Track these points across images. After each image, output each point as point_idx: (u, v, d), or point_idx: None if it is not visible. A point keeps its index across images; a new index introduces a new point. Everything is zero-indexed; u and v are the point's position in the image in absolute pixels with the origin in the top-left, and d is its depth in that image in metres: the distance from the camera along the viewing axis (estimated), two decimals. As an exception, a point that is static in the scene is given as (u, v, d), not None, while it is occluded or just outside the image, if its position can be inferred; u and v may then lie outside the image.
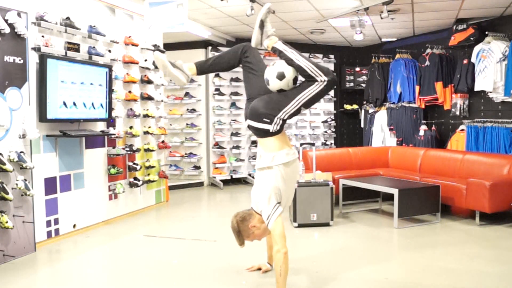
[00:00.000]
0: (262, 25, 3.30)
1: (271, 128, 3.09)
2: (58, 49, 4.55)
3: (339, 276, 3.56)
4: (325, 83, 3.04)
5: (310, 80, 3.06)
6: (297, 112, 3.12)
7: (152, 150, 6.10)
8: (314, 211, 5.04)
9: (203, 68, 3.35)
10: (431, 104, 7.70)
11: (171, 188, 7.34)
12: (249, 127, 3.21)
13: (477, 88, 6.60)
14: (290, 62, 3.18)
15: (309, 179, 5.22)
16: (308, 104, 3.12)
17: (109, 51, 5.34)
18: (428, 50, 7.51)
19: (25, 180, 4.02)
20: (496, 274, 3.53)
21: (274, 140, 3.13)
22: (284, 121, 3.12)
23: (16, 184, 3.94)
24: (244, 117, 3.34)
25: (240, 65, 3.37)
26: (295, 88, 3.13)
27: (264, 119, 3.08)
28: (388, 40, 8.69)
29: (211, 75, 8.13)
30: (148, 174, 6.07)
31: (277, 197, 3.06)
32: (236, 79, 8.29)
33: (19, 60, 4.05)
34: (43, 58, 4.25)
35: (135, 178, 5.77)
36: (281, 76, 3.14)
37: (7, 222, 3.77)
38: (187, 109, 8.19)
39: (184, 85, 3.32)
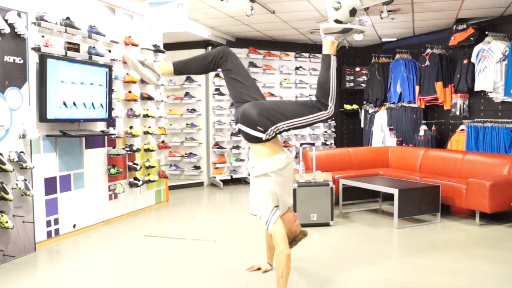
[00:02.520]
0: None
1: (264, 137, 3.05)
2: (58, 49, 4.55)
3: (339, 276, 3.56)
4: (329, 115, 3.02)
5: (319, 102, 2.99)
6: (289, 130, 3.10)
7: (152, 150, 6.11)
8: (314, 211, 5.04)
9: (179, 68, 3.21)
10: (431, 104, 7.70)
11: (171, 188, 7.34)
12: (240, 131, 3.17)
13: (477, 88, 6.60)
14: (325, 75, 3.01)
15: (309, 179, 5.22)
16: (301, 127, 3.11)
17: (109, 51, 5.34)
18: (428, 50, 7.51)
19: (25, 180, 4.02)
20: (496, 274, 3.53)
21: (266, 147, 3.09)
22: (277, 134, 3.08)
23: (16, 184, 3.94)
24: (235, 120, 3.28)
25: (219, 70, 3.28)
26: (298, 106, 3.08)
27: (258, 128, 3.03)
28: (388, 40, 8.69)
29: (211, 75, 8.14)
30: (148, 174, 6.07)
31: (274, 201, 3.05)
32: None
33: (19, 60, 4.05)
34: (43, 58, 4.25)
35: (135, 178, 5.77)
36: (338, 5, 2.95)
37: (7, 222, 3.76)
38: (187, 109, 8.19)
39: (155, 84, 3.23)
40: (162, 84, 6.45)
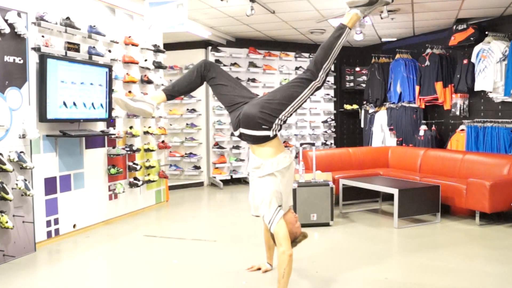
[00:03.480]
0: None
1: (271, 133, 3.06)
2: (58, 49, 4.55)
3: (339, 276, 3.56)
4: (319, 83, 3.05)
5: (309, 72, 3.02)
6: (291, 115, 3.13)
7: (152, 150, 6.11)
8: (314, 211, 5.04)
9: (170, 92, 3.23)
10: (431, 104, 7.70)
11: (171, 188, 7.34)
12: (243, 135, 3.14)
13: (477, 88, 6.60)
14: (332, 42, 3.03)
15: (309, 179, 5.22)
16: (301, 106, 3.13)
17: (109, 51, 5.34)
18: (428, 50, 7.50)
19: (25, 180, 4.02)
20: (496, 274, 3.53)
21: (271, 146, 3.10)
22: (281, 125, 3.10)
23: (16, 184, 3.94)
24: (232, 128, 3.25)
25: (206, 83, 3.30)
26: (290, 88, 3.08)
27: (263, 126, 3.02)
28: (388, 40, 8.69)
29: (211, 75, 8.13)
30: (148, 174, 6.07)
31: (278, 201, 3.06)
32: (236, 79, 8.28)
33: (19, 60, 4.05)
34: (43, 58, 4.25)
35: (135, 178, 5.77)
36: None
37: (7, 222, 3.77)
38: (187, 109, 8.19)
39: (152, 116, 3.19)
40: (162, 84, 6.44)
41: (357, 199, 6.18)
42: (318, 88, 3.09)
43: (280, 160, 3.08)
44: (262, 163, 3.09)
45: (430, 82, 7.39)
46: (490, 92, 6.47)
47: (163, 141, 6.45)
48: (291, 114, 3.09)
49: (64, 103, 4.52)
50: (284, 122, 3.11)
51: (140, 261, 4.00)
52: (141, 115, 3.13)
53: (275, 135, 3.10)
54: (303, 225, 5.02)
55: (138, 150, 5.81)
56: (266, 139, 3.08)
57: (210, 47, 8.13)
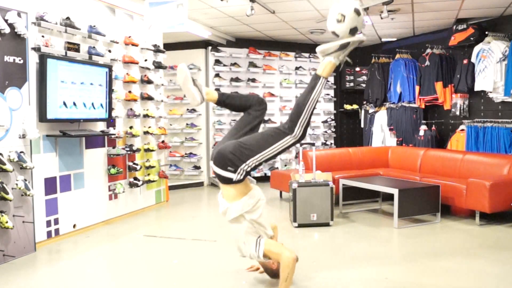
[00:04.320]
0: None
1: (235, 177, 3.02)
2: (58, 49, 4.55)
3: (339, 276, 3.56)
4: (295, 139, 3.01)
5: (287, 126, 2.99)
6: (261, 164, 3.07)
7: (152, 150, 6.10)
8: (314, 211, 5.04)
9: (223, 98, 3.23)
10: (431, 104, 7.70)
11: (171, 188, 7.34)
12: (214, 172, 3.14)
13: (477, 88, 6.60)
14: (305, 97, 2.99)
15: (309, 179, 5.22)
16: (273, 158, 3.06)
17: (109, 51, 5.34)
18: (428, 50, 7.51)
19: (25, 180, 4.02)
20: (496, 274, 3.53)
21: (236, 189, 3.07)
22: (248, 172, 3.04)
23: (16, 184, 3.94)
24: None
25: (250, 112, 3.26)
26: (264, 136, 3.04)
27: (229, 168, 2.99)
28: (388, 40, 8.69)
29: (211, 74, 8.15)
30: (148, 174, 6.07)
31: (254, 234, 3.08)
32: (236, 79, 8.30)
33: (19, 60, 4.05)
34: (43, 58, 4.25)
35: (135, 178, 5.77)
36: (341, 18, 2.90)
37: (7, 222, 3.76)
38: (187, 109, 8.19)
39: (196, 105, 3.23)
40: (162, 84, 6.45)
41: (357, 199, 6.18)
42: (296, 143, 3.06)
43: (244, 203, 3.06)
44: (228, 207, 3.11)
45: (430, 82, 7.39)
46: (490, 92, 6.47)
47: (163, 141, 6.45)
48: (260, 163, 3.03)
49: (64, 103, 4.52)
50: (252, 169, 3.03)
51: (140, 261, 4.00)
52: (189, 97, 3.12)
53: (240, 180, 3.04)
54: (303, 225, 5.04)
55: (138, 150, 5.81)
56: (229, 181, 3.05)
57: (210, 47, 8.13)
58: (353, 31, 2.92)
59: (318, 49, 3.02)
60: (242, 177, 3.03)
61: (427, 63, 7.43)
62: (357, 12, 2.88)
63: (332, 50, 2.96)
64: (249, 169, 3.01)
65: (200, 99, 3.12)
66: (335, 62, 2.99)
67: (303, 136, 3.01)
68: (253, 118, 3.21)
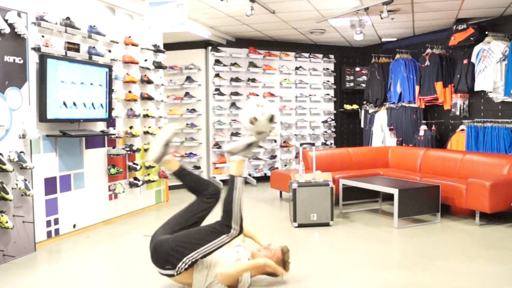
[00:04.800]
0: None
1: (175, 273, 3.00)
2: (58, 49, 4.55)
3: (339, 276, 3.56)
4: (233, 236, 3.05)
5: (223, 225, 3.03)
6: (197, 260, 3.03)
7: (152, 150, 6.09)
8: (314, 211, 5.04)
9: (182, 172, 3.27)
10: (431, 104, 7.70)
11: (171, 188, 7.33)
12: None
13: (477, 88, 6.60)
14: (229, 197, 3.11)
15: (309, 179, 5.22)
16: (210, 253, 3.05)
17: (109, 51, 5.34)
18: (428, 50, 7.50)
19: (25, 180, 4.02)
20: (497, 274, 3.53)
21: (182, 276, 3.05)
22: (190, 263, 3.00)
23: (16, 184, 3.94)
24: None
25: (204, 200, 3.27)
26: (201, 234, 3.05)
27: (167, 267, 2.99)
28: (388, 40, 8.69)
29: (211, 74, 8.14)
30: (148, 174, 6.07)
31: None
32: (236, 79, 8.29)
33: (19, 60, 4.05)
34: (43, 58, 4.25)
35: (135, 178, 5.77)
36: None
37: (7, 222, 3.77)
38: (187, 109, 8.19)
39: (149, 159, 3.25)
40: (162, 84, 6.45)
41: (357, 199, 6.18)
42: (234, 238, 3.11)
43: (199, 280, 3.05)
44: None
45: (430, 82, 7.39)
46: (490, 92, 6.47)
47: (163, 141, 6.44)
48: (197, 260, 3.02)
49: (64, 103, 4.52)
50: (191, 265, 3.01)
51: (140, 261, 3.99)
52: (151, 150, 3.17)
53: (180, 273, 3.03)
54: (303, 225, 5.04)
55: (138, 150, 5.81)
56: (171, 276, 3.05)
57: (210, 47, 8.13)
58: (260, 134, 3.13)
59: (225, 148, 3.18)
60: (183, 270, 3.01)
61: (427, 63, 7.43)
62: (271, 120, 3.08)
63: (239, 150, 3.12)
64: (187, 266, 2.99)
65: (154, 159, 3.15)
66: (243, 159, 3.14)
67: (241, 230, 3.10)
68: (202, 210, 3.21)
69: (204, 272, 3.06)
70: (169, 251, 2.98)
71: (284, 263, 3.29)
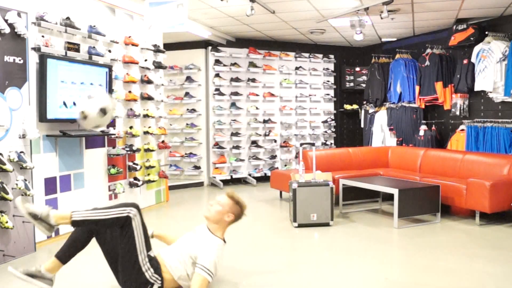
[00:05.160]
0: (35, 215, 2.89)
1: (157, 283, 2.97)
2: (58, 49, 4.55)
3: (339, 276, 3.56)
4: (137, 209, 2.97)
5: (124, 224, 2.92)
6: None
7: (152, 150, 6.10)
8: (314, 211, 5.04)
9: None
10: (431, 104, 7.70)
11: (171, 188, 7.34)
12: None
13: (477, 88, 6.60)
14: (95, 223, 2.97)
15: (309, 179, 5.21)
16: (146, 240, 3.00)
17: (109, 51, 5.34)
18: (428, 50, 7.51)
19: (25, 180, 4.02)
20: (496, 274, 3.53)
21: (171, 282, 3.04)
22: (153, 266, 2.98)
23: (16, 184, 3.94)
24: None
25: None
26: (127, 243, 2.95)
27: (140, 282, 2.93)
28: (388, 40, 8.69)
29: (211, 74, 8.14)
30: (148, 174, 6.06)
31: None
32: (236, 79, 8.30)
33: (19, 60, 4.05)
34: (43, 58, 4.25)
35: (135, 178, 5.77)
36: (104, 111, 2.88)
37: (7, 222, 3.77)
38: (187, 109, 8.19)
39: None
40: (162, 84, 6.45)
41: (357, 199, 6.18)
42: (140, 215, 3.04)
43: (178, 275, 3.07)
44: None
45: (430, 82, 7.40)
46: (490, 92, 6.47)
47: (163, 141, 6.45)
48: (146, 256, 2.98)
49: (64, 103, 4.52)
50: (151, 264, 2.98)
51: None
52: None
53: (159, 279, 2.99)
54: (303, 225, 5.04)
55: (138, 150, 5.82)
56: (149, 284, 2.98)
57: (210, 47, 8.13)
58: (97, 126, 2.99)
59: (24, 211, 2.89)
60: (156, 277, 2.97)
61: (427, 63, 7.43)
62: (103, 111, 2.86)
63: (44, 227, 2.95)
64: (152, 269, 2.96)
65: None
66: (52, 213, 2.92)
67: (138, 210, 3.02)
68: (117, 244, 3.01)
69: (181, 267, 3.06)
70: (131, 283, 2.94)
71: (237, 203, 3.30)
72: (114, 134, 5.33)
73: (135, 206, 3.00)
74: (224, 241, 3.25)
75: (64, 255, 3.13)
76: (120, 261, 2.99)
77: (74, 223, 2.93)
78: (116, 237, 2.99)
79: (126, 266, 2.95)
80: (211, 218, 3.28)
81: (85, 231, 3.12)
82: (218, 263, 3.10)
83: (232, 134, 8.28)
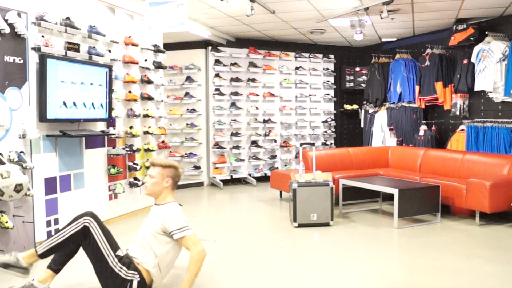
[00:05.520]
0: (5, 264, 3.08)
1: (135, 277, 3.01)
2: (58, 49, 4.55)
3: (339, 276, 3.56)
4: (92, 216, 3.09)
5: (86, 234, 3.06)
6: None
7: (152, 150, 6.10)
8: (314, 211, 5.04)
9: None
10: (431, 104, 7.70)
11: (171, 188, 7.33)
12: None
13: (477, 88, 6.60)
14: (60, 246, 3.13)
15: (309, 179, 5.22)
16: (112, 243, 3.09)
17: (109, 51, 5.34)
18: (428, 50, 7.51)
19: (25, 180, 4.01)
20: (496, 274, 3.53)
21: (147, 274, 3.09)
22: (125, 263, 3.03)
23: (16, 184, 3.94)
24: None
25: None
26: (93, 250, 3.09)
27: (117, 278, 2.98)
28: (388, 40, 8.69)
29: (211, 74, 8.15)
30: (148, 174, 6.06)
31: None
32: (236, 79, 8.30)
33: (19, 60, 4.05)
34: (43, 58, 4.25)
35: (135, 178, 5.77)
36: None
37: (7, 222, 3.76)
38: (187, 109, 8.19)
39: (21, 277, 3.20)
40: (162, 84, 6.45)
41: (357, 199, 6.18)
42: (96, 218, 3.19)
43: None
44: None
45: (430, 82, 7.40)
46: (490, 92, 6.47)
47: (163, 141, 6.45)
48: (115, 259, 3.06)
49: (64, 103, 4.52)
50: (120, 260, 3.05)
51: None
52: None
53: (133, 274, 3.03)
54: (303, 225, 5.04)
55: (138, 150, 5.82)
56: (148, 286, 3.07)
57: (210, 47, 8.13)
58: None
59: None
60: (131, 272, 3.02)
61: (427, 63, 7.43)
62: (18, 190, 3.19)
63: (18, 272, 3.13)
64: (123, 267, 3.02)
65: (22, 274, 3.12)
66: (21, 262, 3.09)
67: (90, 212, 3.21)
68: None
69: (148, 253, 3.13)
70: (112, 286, 3.00)
71: (166, 166, 3.30)
72: (114, 134, 5.33)
73: (88, 213, 3.11)
74: (180, 204, 3.29)
75: (55, 264, 3.23)
76: (94, 270, 3.10)
77: (42, 255, 3.10)
78: (85, 248, 3.12)
79: (101, 272, 3.04)
80: (153, 193, 3.31)
81: (69, 243, 3.19)
82: (187, 220, 3.19)
83: (232, 134, 8.28)
